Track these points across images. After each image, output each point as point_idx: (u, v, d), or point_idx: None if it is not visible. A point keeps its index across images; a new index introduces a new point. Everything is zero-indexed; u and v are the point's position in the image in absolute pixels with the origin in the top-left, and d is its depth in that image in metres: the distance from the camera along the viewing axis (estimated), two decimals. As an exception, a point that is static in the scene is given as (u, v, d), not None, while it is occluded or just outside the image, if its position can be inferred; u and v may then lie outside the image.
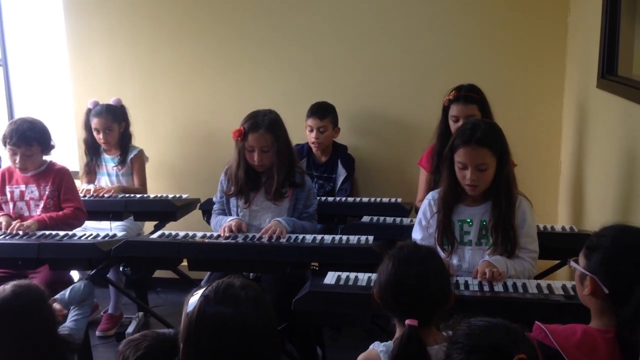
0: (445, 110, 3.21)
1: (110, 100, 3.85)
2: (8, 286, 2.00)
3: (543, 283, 2.22)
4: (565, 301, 2.04)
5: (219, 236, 2.83)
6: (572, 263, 1.70)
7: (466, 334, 1.34)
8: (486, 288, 2.19)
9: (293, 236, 2.78)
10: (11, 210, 3.17)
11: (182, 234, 2.88)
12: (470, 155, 2.33)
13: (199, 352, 1.46)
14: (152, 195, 3.68)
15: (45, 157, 3.22)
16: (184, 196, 3.61)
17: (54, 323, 2.10)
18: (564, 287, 2.15)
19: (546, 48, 3.66)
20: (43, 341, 2.00)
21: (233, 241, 2.75)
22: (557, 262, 2.98)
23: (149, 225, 3.82)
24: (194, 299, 1.49)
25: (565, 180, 3.63)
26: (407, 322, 1.64)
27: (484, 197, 2.44)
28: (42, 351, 2.00)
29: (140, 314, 3.85)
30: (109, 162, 3.89)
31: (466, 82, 3.22)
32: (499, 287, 2.19)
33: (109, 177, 3.89)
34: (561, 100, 3.68)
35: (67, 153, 4.32)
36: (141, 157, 3.90)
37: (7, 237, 2.90)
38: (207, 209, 3.45)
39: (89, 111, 3.82)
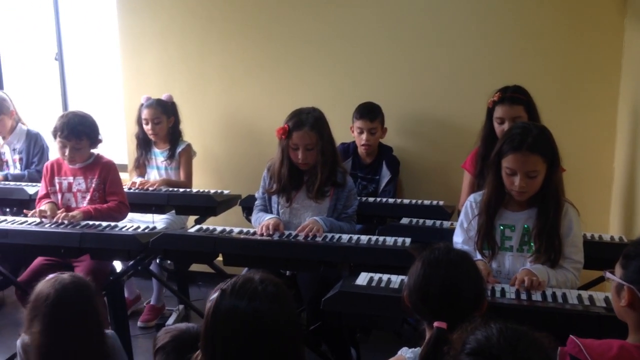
0: (490, 112, 3.12)
1: (162, 96, 3.94)
2: (66, 276, 2.06)
3: (584, 294, 2.12)
4: (605, 313, 1.94)
5: (255, 233, 2.84)
6: (608, 274, 1.62)
7: (476, 339, 1.28)
8: (523, 296, 2.11)
9: (329, 235, 2.76)
10: (59, 201, 3.26)
11: (219, 229, 2.89)
12: (521, 162, 2.25)
13: (215, 344, 1.45)
14: (194, 190, 3.73)
15: (92, 150, 3.30)
16: (225, 192, 3.65)
17: (102, 320, 2.14)
18: (606, 299, 2.05)
19: (601, 50, 3.52)
20: (95, 334, 2.05)
21: (268, 238, 2.75)
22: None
23: (192, 220, 3.87)
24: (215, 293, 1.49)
25: (618, 187, 3.48)
26: (435, 324, 1.60)
27: (529, 202, 2.36)
28: (94, 345, 2.05)
29: (181, 306, 3.91)
30: (158, 156, 3.97)
31: (516, 84, 3.13)
32: (536, 296, 2.11)
33: (158, 171, 3.98)
34: (616, 105, 3.52)
35: (117, 147, 4.43)
36: (189, 151, 3.97)
37: (52, 226, 2.98)
38: (247, 206, 3.48)
39: (141, 106, 3.92)
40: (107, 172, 3.24)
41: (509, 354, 1.22)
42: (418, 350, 1.69)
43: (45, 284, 2.04)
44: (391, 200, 3.46)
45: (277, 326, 1.45)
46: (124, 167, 4.19)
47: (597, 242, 2.75)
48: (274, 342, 1.44)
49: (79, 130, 3.13)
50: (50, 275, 2.10)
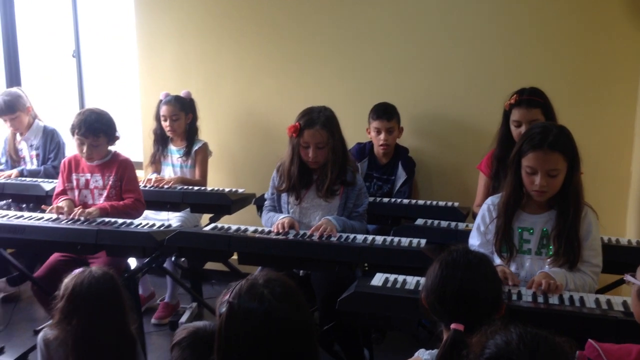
0: (507, 114, 3.10)
1: (181, 93, 3.96)
2: (94, 269, 2.14)
3: (602, 298, 2.10)
4: (624, 318, 1.92)
5: (270, 232, 2.84)
6: (629, 277, 1.60)
7: (495, 343, 1.27)
8: (540, 300, 2.10)
9: (344, 235, 2.75)
10: (76, 198, 3.29)
11: (234, 227, 2.90)
12: (542, 160, 2.23)
13: (232, 351, 1.46)
14: (209, 188, 3.74)
15: (110, 148, 3.32)
16: (240, 190, 3.66)
17: (128, 315, 2.19)
18: (624, 304, 2.03)
19: (619, 52, 3.48)
20: (117, 329, 2.12)
21: (283, 237, 2.75)
22: (621, 277, 2.83)
23: (206, 218, 3.88)
24: (223, 300, 1.49)
25: (636, 191, 3.44)
26: (452, 326, 1.60)
27: (548, 204, 2.34)
28: (126, 333, 2.14)
29: (194, 304, 3.93)
30: (175, 154, 3.99)
31: (532, 86, 3.10)
32: (553, 300, 2.09)
33: (173, 168, 3.99)
34: (634, 107, 3.49)
35: (133, 144, 4.46)
36: (205, 150, 3.98)
37: (69, 222, 3.00)
38: (261, 204, 3.47)
39: (160, 102, 3.94)
40: (124, 169, 3.26)
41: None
42: (435, 352, 1.68)
43: (77, 278, 2.11)
44: (406, 201, 3.45)
45: (291, 325, 1.45)
46: (139, 165, 4.21)
47: (615, 245, 2.72)
48: (289, 342, 1.44)
49: (96, 128, 3.15)
50: (77, 270, 2.16)
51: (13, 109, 4.06)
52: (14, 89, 4.19)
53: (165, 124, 3.90)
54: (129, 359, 2.18)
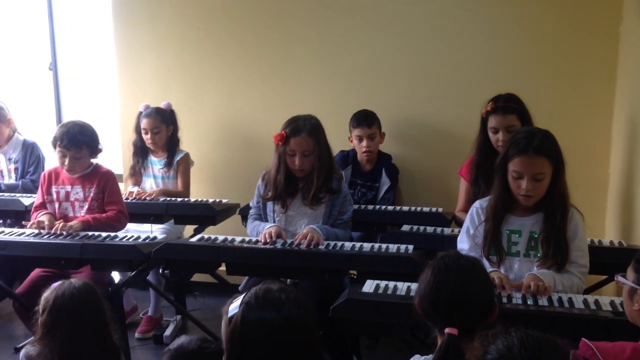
0: (484, 121, 3.15)
1: (161, 104, 3.92)
2: (73, 280, 2.12)
3: (590, 298, 2.13)
4: (613, 317, 1.96)
5: (257, 241, 2.83)
6: (620, 278, 1.63)
7: (497, 349, 1.28)
8: (530, 302, 2.12)
9: (332, 243, 2.76)
10: (56, 210, 3.24)
11: (221, 238, 2.88)
12: (527, 165, 2.27)
13: (242, 357, 1.45)
14: (192, 200, 3.71)
15: (92, 160, 3.27)
16: (224, 201, 3.64)
17: (110, 325, 2.17)
18: (612, 303, 2.07)
19: (597, 57, 3.56)
20: (101, 340, 2.10)
21: (272, 247, 2.75)
22: (605, 277, 2.88)
23: (189, 229, 3.85)
24: (234, 306, 1.48)
25: (614, 193, 3.51)
26: (446, 330, 1.60)
27: (535, 207, 2.38)
28: (109, 343, 2.12)
29: (178, 317, 3.88)
30: (156, 165, 3.95)
31: (512, 93, 3.15)
32: (543, 301, 2.12)
33: (154, 179, 3.95)
34: (611, 110, 3.57)
35: (112, 157, 4.40)
36: (187, 160, 3.95)
37: (51, 237, 2.95)
38: (246, 214, 3.45)
39: (139, 114, 3.91)
40: (106, 181, 3.22)
41: None
42: (430, 357, 1.69)
43: (58, 290, 2.08)
44: (390, 208, 3.47)
45: (306, 331, 1.46)
46: (119, 177, 4.14)
47: (597, 247, 2.78)
48: (303, 346, 1.45)
49: (79, 140, 3.11)
50: (56, 283, 2.13)
51: None
52: None
53: (147, 137, 3.87)
54: None
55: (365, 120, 3.61)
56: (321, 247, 2.72)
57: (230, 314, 1.48)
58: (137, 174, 3.99)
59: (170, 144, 3.93)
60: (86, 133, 3.16)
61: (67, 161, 3.13)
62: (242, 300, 1.48)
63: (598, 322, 1.97)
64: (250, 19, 4.07)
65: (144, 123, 3.85)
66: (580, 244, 2.36)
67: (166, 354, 1.90)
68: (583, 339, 1.56)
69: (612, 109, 3.56)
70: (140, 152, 3.96)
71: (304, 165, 2.91)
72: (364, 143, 3.60)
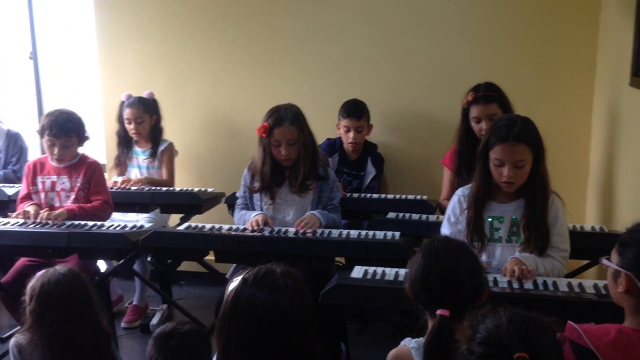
0: (465, 112, 3.19)
1: (143, 94, 3.90)
2: (58, 267, 2.13)
3: (574, 281, 2.18)
4: (597, 300, 2.01)
5: (245, 229, 2.84)
6: (604, 261, 1.67)
7: (486, 327, 1.31)
8: (515, 285, 2.17)
9: (319, 230, 2.78)
10: (42, 200, 3.22)
11: (208, 226, 2.89)
12: (509, 152, 2.31)
13: (230, 332, 1.46)
14: (178, 189, 3.71)
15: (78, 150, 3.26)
16: (210, 190, 3.64)
17: (98, 310, 2.18)
18: (595, 286, 2.12)
19: (576, 46, 3.61)
20: (91, 324, 2.12)
21: (259, 234, 2.76)
22: (587, 262, 2.94)
23: (174, 218, 3.85)
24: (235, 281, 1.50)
25: (594, 180, 3.58)
26: (438, 312, 1.64)
27: (517, 194, 2.42)
28: (100, 329, 2.13)
29: (165, 306, 3.89)
30: (140, 155, 3.93)
31: (494, 81, 3.19)
32: (528, 285, 2.17)
33: (139, 170, 3.94)
34: (591, 99, 3.63)
35: (95, 146, 4.36)
36: (171, 150, 3.94)
37: (37, 226, 2.94)
38: (232, 203, 3.47)
39: (122, 103, 3.88)
40: (92, 171, 3.21)
41: (519, 342, 1.24)
42: (422, 340, 1.72)
43: (43, 277, 2.09)
44: (376, 196, 3.50)
45: (295, 319, 1.46)
46: (103, 167, 4.13)
47: (579, 232, 2.84)
48: (290, 334, 1.45)
49: (68, 128, 3.10)
50: (41, 271, 2.14)
51: None
52: None
53: (130, 127, 3.84)
54: (106, 352, 2.17)
55: (355, 112, 3.60)
56: (309, 234, 2.74)
57: (228, 289, 1.50)
58: (122, 164, 3.97)
59: (154, 134, 3.91)
60: (74, 121, 3.14)
61: (56, 150, 3.12)
62: (243, 275, 1.49)
63: (583, 305, 2.02)
64: (231, 8, 4.05)
65: (127, 113, 3.83)
66: (561, 229, 2.40)
67: (150, 341, 1.95)
68: (569, 321, 1.59)
69: (592, 97, 3.63)
70: (124, 142, 3.93)
71: (290, 154, 2.92)
72: (351, 134, 3.60)
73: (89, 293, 2.13)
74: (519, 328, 1.27)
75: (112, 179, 3.84)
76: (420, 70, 3.83)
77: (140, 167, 3.93)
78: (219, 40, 4.10)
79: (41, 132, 3.12)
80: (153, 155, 3.89)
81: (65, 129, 3.08)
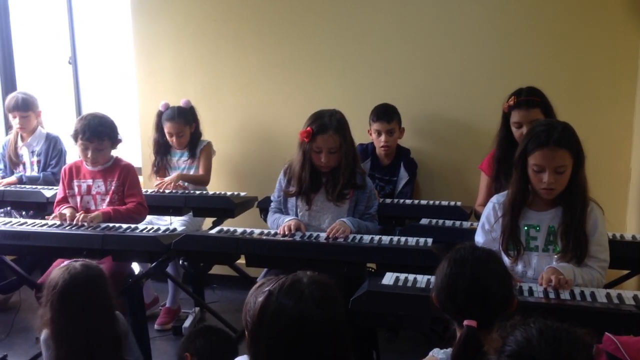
0: (506, 116, 3.12)
1: (180, 102, 3.94)
2: (77, 263, 2.18)
3: (613, 292, 2.11)
4: (637, 312, 1.94)
5: (276, 234, 2.84)
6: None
7: (515, 340, 1.26)
8: (552, 295, 2.11)
9: (351, 236, 2.76)
10: (78, 204, 3.27)
11: (240, 230, 2.90)
12: (549, 158, 2.24)
13: (260, 343, 1.45)
14: (211, 192, 3.73)
15: (112, 153, 3.30)
16: (242, 194, 3.65)
17: (113, 304, 2.23)
18: (635, 297, 2.05)
19: (617, 50, 3.51)
20: (105, 318, 2.17)
21: (291, 239, 2.75)
22: (627, 272, 2.85)
23: (207, 222, 3.87)
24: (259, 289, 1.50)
25: (636, 187, 3.47)
26: (465, 322, 1.60)
27: (554, 202, 2.35)
28: (106, 328, 2.17)
29: (197, 309, 3.91)
30: (179, 157, 3.99)
31: (531, 85, 3.12)
32: (565, 295, 2.10)
33: (179, 171, 3.98)
34: (633, 102, 3.52)
35: (130, 149, 4.43)
36: (209, 148, 4.00)
37: (73, 228, 2.99)
38: (264, 207, 3.48)
39: (160, 113, 3.93)
40: (126, 174, 3.25)
41: (550, 357, 1.20)
42: (450, 350, 1.68)
43: (56, 272, 2.15)
44: (409, 201, 3.46)
45: (324, 328, 1.43)
46: (138, 171, 4.18)
47: (619, 241, 2.74)
48: (321, 344, 1.43)
49: (100, 131, 3.14)
50: (57, 267, 2.21)
51: (27, 107, 4.08)
52: (30, 93, 4.20)
53: (172, 139, 3.92)
54: (123, 342, 2.23)
55: (385, 115, 3.59)
56: (340, 239, 2.72)
57: (255, 295, 1.49)
58: (160, 169, 4.02)
59: (192, 138, 3.97)
60: (106, 124, 3.19)
61: (89, 153, 3.17)
62: (269, 287, 1.48)
63: (622, 317, 1.95)
64: (267, 12, 4.07)
65: (167, 127, 3.89)
66: (600, 238, 2.33)
67: (180, 344, 2.00)
68: (606, 333, 1.54)
69: (634, 100, 3.52)
70: (163, 149, 4.00)
71: (330, 162, 2.88)
72: (382, 138, 3.58)
73: (105, 285, 2.17)
74: (550, 342, 1.23)
75: (155, 184, 3.89)
76: (455, 75, 3.79)
77: (180, 168, 3.99)
78: (254, 45, 4.12)
79: (74, 137, 3.17)
80: (192, 156, 3.95)
81: (97, 133, 3.13)
